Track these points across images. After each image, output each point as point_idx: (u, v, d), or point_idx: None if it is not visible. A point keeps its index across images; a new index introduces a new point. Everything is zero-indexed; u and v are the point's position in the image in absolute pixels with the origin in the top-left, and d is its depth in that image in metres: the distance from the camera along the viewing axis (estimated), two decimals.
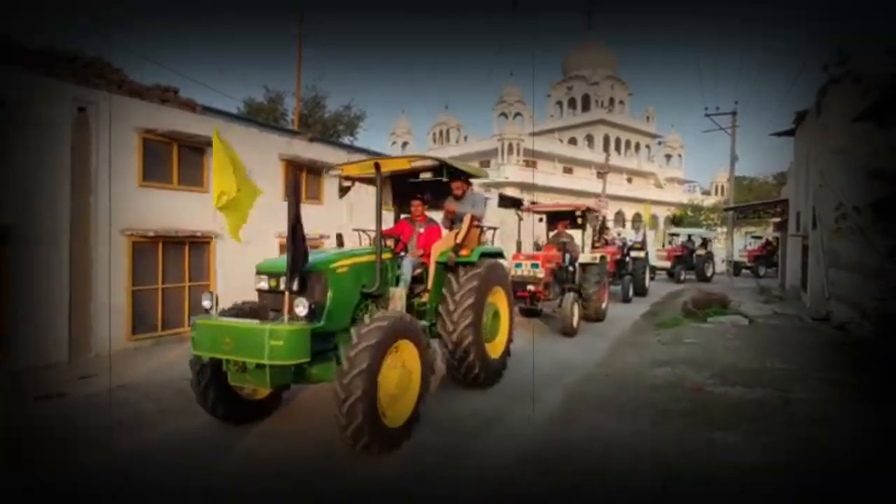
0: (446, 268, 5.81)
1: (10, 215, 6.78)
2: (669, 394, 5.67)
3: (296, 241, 3.97)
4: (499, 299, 6.40)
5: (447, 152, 38.99)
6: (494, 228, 6.79)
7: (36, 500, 3.56)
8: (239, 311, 4.51)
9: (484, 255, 6.03)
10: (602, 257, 11.33)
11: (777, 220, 22.92)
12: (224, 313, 4.33)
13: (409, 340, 4.38)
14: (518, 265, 9.70)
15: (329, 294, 4.44)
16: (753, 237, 30.20)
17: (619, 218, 41.07)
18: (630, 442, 4.38)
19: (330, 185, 12.37)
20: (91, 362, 7.26)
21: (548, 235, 12.00)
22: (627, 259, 15.61)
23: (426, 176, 5.22)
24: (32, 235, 7.00)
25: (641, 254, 16.31)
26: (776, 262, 24.35)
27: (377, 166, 5.19)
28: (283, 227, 11.07)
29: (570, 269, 10.60)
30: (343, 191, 5.97)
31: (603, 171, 30.34)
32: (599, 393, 5.83)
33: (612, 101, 48.15)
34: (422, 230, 6.18)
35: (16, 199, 6.87)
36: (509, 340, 6.59)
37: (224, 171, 4.61)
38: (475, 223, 6.12)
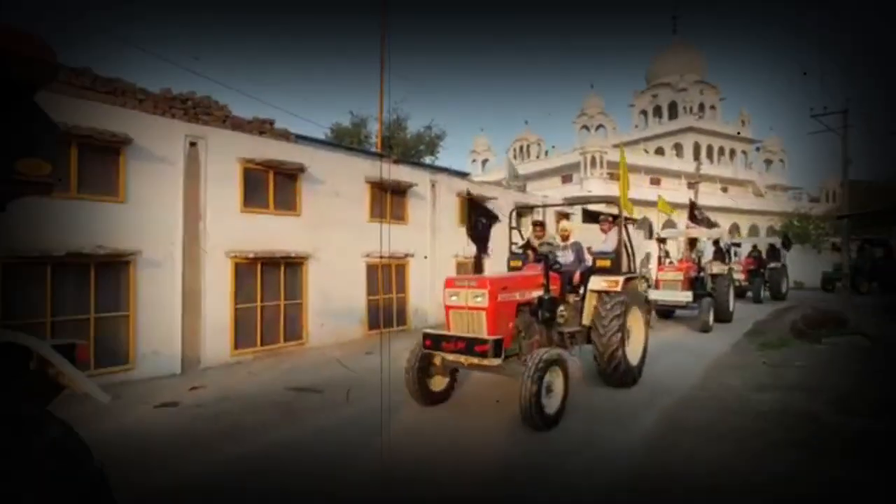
0: None
1: (137, 241, 7.62)
2: (778, 421, 5.18)
3: None
4: None
5: (528, 168, 38.75)
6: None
7: (149, 500, 3.90)
8: None
9: None
10: None
11: None
12: None
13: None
14: None
15: None
16: (733, 243, 20.12)
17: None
18: (740, 472, 4.04)
19: (413, 207, 12.65)
20: (200, 374, 7.90)
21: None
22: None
23: None
24: (153, 259, 7.81)
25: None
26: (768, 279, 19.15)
27: None
28: (370, 246, 11.38)
29: None
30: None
31: (694, 181, 28.63)
32: (699, 418, 5.44)
33: (701, 106, 45.62)
34: None
35: (141, 226, 7.71)
36: None
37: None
38: None
